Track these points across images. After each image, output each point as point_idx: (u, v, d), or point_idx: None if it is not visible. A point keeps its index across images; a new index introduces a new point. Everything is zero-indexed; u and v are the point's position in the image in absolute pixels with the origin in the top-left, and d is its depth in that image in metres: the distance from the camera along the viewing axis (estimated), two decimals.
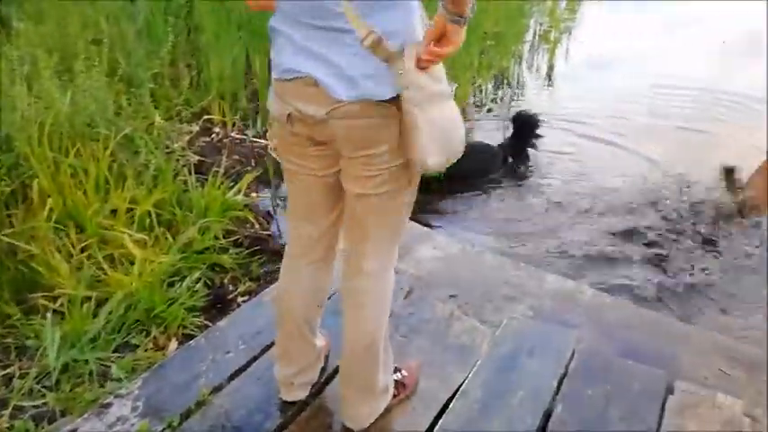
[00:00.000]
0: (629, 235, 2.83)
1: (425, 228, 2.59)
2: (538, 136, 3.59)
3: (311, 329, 1.57)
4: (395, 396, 1.63)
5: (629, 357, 1.85)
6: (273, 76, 1.26)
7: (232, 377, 1.73)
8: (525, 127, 3.59)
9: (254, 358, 1.78)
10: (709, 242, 2.76)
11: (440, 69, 1.18)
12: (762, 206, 2.79)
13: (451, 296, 2.13)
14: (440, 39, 1.12)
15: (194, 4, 3.82)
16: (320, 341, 1.65)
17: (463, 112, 4.28)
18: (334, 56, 1.15)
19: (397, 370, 1.65)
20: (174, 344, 1.85)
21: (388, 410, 1.60)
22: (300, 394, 1.64)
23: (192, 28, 3.86)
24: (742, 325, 2.22)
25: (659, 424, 1.64)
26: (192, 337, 1.87)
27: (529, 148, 3.59)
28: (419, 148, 1.17)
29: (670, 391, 1.73)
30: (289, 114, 1.26)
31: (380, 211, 1.34)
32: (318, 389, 1.69)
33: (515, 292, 2.15)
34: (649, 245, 2.75)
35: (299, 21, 1.17)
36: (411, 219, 2.61)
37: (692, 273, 2.55)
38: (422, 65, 1.13)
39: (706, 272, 2.56)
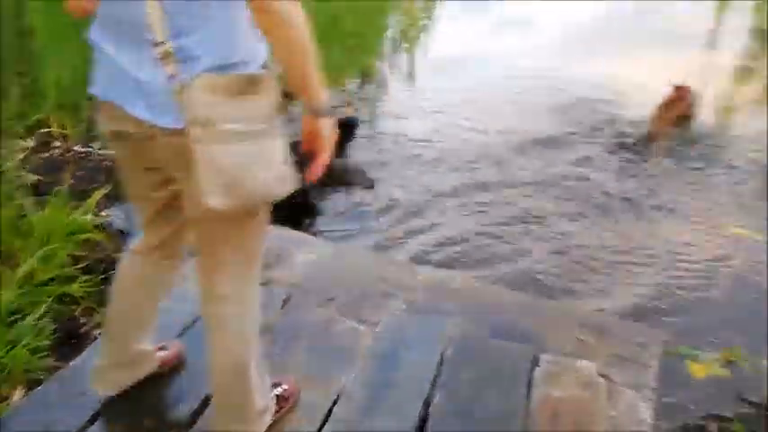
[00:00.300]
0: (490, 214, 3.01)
1: (298, 232, 2.54)
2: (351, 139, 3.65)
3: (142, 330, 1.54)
4: (277, 411, 1.58)
5: (501, 338, 1.94)
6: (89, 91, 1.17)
7: (92, 420, 1.57)
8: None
9: (116, 395, 1.63)
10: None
11: (262, 106, 1.09)
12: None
13: (330, 299, 2.11)
14: (312, 137, 1.14)
15: (24, 2, 3.46)
16: (150, 346, 1.60)
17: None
18: (140, 74, 1.07)
19: (276, 385, 1.60)
20: (19, 392, 1.64)
21: (272, 427, 1.55)
22: (109, 390, 1.58)
23: (22, 30, 3.50)
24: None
25: (528, 395, 1.74)
26: (40, 382, 1.66)
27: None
28: (198, 186, 1.07)
29: (536, 363, 1.84)
30: (111, 131, 1.19)
31: (225, 235, 1.26)
32: (194, 417, 1.60)
33: (391, 288, 2.18)
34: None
35: (111, 30, 1.10)
36: (283, 224, 2.59)
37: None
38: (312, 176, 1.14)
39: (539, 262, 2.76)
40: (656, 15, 6.83)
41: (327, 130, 1.16)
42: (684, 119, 3.90)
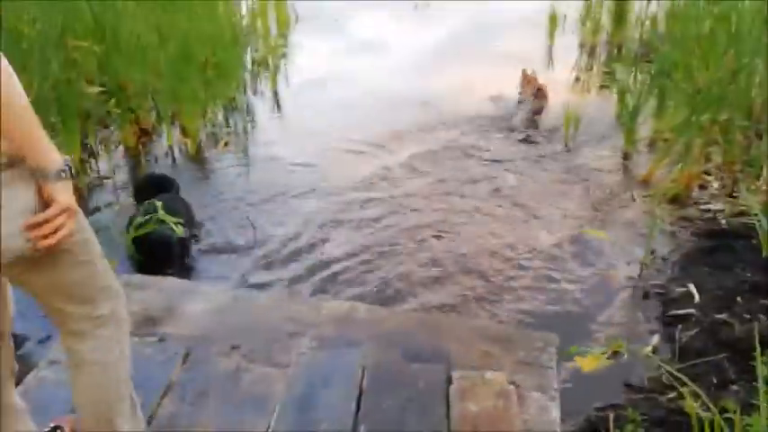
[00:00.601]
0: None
1: (187, 282, 2.41)
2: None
3: None
4: None
5: (413, 361, 1.99)
6: None
7: None
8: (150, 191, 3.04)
9: None
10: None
11: None
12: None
13: (234, 347, 2.02)
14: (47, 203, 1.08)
15: None
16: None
17: (198, 150, 4.14)
18: None
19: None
20: None
21: None
22: None
23: None
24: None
25: (448, 414, 1.80)
26: None
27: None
28: None
29: (450, 381, 1.91)
30: None
31: (38, 284, 1.22)
32: None
33: (298, 327, 2.14)
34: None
35: None
36: (169, 275, 2.44)
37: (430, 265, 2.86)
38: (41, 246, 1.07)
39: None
40: (497, 37, 7.51)
41: (64, 196, 1.10)
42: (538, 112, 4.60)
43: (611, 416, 1.88)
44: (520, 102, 4.71)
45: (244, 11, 7.68)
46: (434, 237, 3.07)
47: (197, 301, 2.25)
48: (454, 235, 3.09)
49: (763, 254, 2.67)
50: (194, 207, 3.23)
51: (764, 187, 3.35)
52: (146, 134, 4.29)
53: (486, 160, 3.97)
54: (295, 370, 1.93)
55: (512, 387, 1.90)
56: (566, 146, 4.16)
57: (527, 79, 4.92)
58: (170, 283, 2.35)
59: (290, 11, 8.87)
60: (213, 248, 2.97)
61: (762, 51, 3.71)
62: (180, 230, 2.66)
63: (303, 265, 2.82)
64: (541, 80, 4.85)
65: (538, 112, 4.58)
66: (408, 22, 9.31)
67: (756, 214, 2.81)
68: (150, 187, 3.07)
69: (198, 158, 4.08)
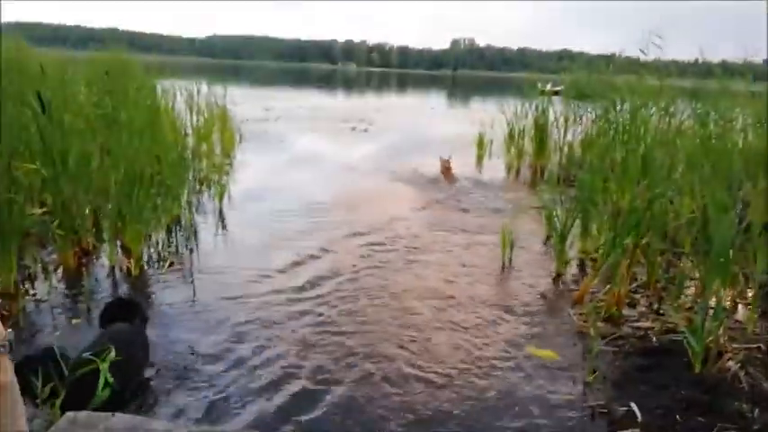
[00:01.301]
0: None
1: (139, 417, 2.29)
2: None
3: None
4: None
5: None
6: None
7: None
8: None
9: None
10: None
11: None
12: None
13: None
14: None
15: None
16: None
17: (141, 272, 4.06)
18: None
19: None
20: None
21: None
22: None
23: None
24: None
25: None
26: None
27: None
28: None
29: None
30: None
31: None
32: None
33: None
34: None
35: None
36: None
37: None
38: None
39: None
40: (427, 154, 8.05)
41: None
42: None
43: None
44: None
45: (190, 130, 7.92)
46: (379, 352, 3.09)
47: None
48: (393, 354, 3.11)
49: (695, 370, 2.87)
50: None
51: (687, 305, 3.65)
52: (86, 254, 4.19)
53: (422, 277, 4.13)
54: None
55: None
56: (502, 266, 4.40)
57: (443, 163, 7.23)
58: (118, 419, 2.23)
59: (235, 132, 9.23)
60: (161, 379, 2.84)
61: (672, 182, 4.18)
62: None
63: (265, 390, 2.73)
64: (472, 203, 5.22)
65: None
66: (346, 141, 9.87)
67: (683, 331, 3.04)
68: (114, 313, 2.94)
69: (141, 279, 3.99)
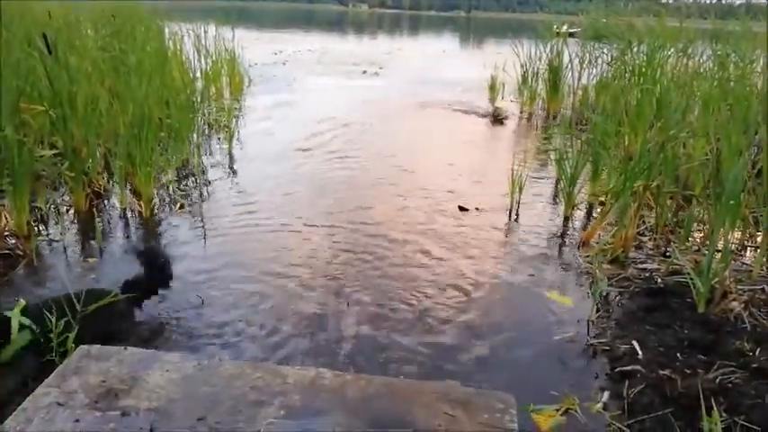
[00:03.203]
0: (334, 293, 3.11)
1: (150, 350, 2.37)
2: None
3: None
4: None
5: (380, 427, 2.02)
6: None
7: None
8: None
9: None
10: None
11: None
12: None
13: (200, 419, 2.00)
14: None
15: None
16: None
17: (152, 214, 4.12)
18: None
19: None
20: None
21: None
22: None
23: None
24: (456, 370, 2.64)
25: None
26: None
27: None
28: None
29: None
30: None
31: None
32: None
33: (262, 395, 2.14)
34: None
35: None
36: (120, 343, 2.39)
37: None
38: None
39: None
40: (441, 98, 7.92)
41: None
42: None
43: None
44: None
45: (198, 74, 7.83)
46: (384, 296, 3.15)
47: (160, 371, 2.21)
48: (406, 296, 3.17)
49: (699, 311, 2.90)
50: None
51: (694, 248, 3.65)
52: (98, 197, 4.24)
53: (438, 224, 4.15)
54: None
55: None
56: (511, 210, 4.39)
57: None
58: (131, 352, 2.32)
59: (244, 75, 9.12)
60: (170, 315, 2.93)
61: (686, 125, 4.11)
62: None
63: (262, 333, 2.81)
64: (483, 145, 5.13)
65: None
66: (357, 84, 9.72)
67: (689, 273, 3.05)
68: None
69: (151, 221, 4.05)
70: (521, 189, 4.46)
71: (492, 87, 8.63)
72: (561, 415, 2.28)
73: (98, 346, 2.43)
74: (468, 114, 7.80)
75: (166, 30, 8.56)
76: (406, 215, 4.28)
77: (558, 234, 4.07)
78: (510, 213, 4.36)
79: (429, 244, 3.81)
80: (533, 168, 5.12)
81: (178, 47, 8.10)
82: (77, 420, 1.96)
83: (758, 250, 3.51)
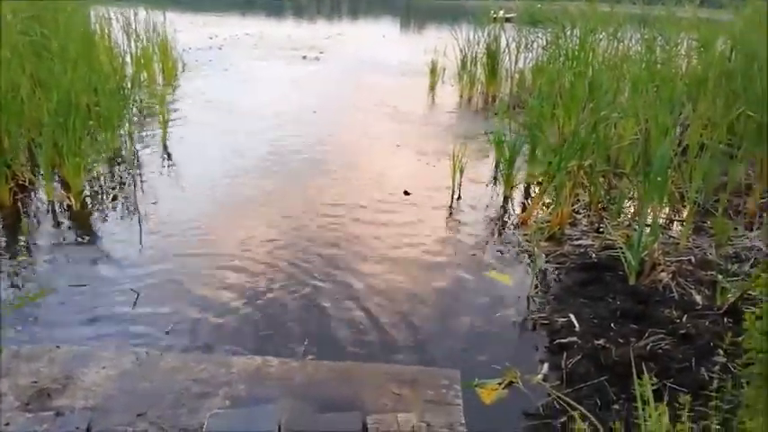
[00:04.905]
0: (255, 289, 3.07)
1: (84, 347, 2.28)
2: None
3: None
4: None
5: (328, 410, 2.03)
6: None
7: None
8: None
9: None
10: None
11: None
12: None
13: (140, 415, 1.95)
14: None
15: None
16: None
17: (83, 206, 3.93)
18: None
19: None
20: None
21: None
22: None
23: None
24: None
25: None
26: None
27: None
28: None
29: (365, 428, 1.97)
30: None
31: None
32: None
33: (206, 387, 2.10)
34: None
35: None
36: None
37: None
38: None
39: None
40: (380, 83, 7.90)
41: None
42: None
43: None
44: None
45: (128, 59, 7.50)
46: (328, 281, 3.14)
47: (96, 368, 2.14)
48: (349, 280, 3.17)
49: (630, 283, 3.04)
50: (79, 268, 3.11)
51: (626, 223, 3.81)
52: (23, 190, 4.01)
53: (381, 200, 4.17)
54: None
55: (423, 426, 2.00)
56: (453, 193, 4.46)
57: None
58: (64, 350, 2.22)
59: (177, 60, 8.80)
60: (105, 312, 2.81)
61: (617, 106, 4.27)
62: None
63: (199, 325, 2.74)
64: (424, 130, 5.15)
65: None
66: (297, 69, 9.58)
67: (621, 248, 3.19)
68: None
69: (82, 214, 3.87)
70: (462, 172, 4.53)
71: (432, 72, 8.69)
72: (504, 388, 2.34)
73: (28, 346, 2.33)
74: (410, 99, 7.83)
75: (92, 13, 8.13)
76: (349, 200, 4.26)
77: (498, 214, 4.17)
78: (452, 196, 4.42)
79: (373, 228, 3.82)
80: (474, 151, 5.19)
81: (106, 31, 7.72)
82: (7, 424, 1.87)
83: (684, 224, 3.70)
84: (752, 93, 4.45)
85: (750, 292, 2.74)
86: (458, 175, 4.51)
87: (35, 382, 2.07)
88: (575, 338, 2.64)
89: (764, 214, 3.84)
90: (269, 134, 5.85)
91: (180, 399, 2.04)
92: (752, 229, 3.66)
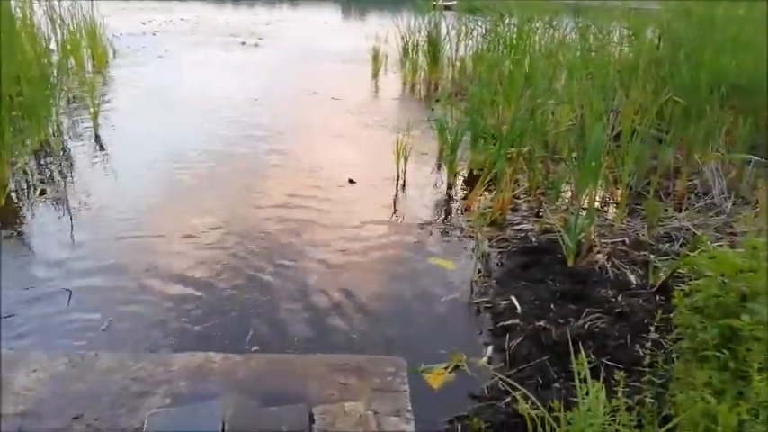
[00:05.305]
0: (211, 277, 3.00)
1: (13, 351, 2.15)
2: None
3: None
4: None
5: (272, 404, 2.00)
6: None
7: None
8: None
9: None
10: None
11: None
12: None
13: (75, 418, 1.86)
14: None
15: None
16: None
17: (8, 202, 3.71)
18: None
19: None
20: None
21: None
22: None
23: None
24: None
25: None
26: None
27: None
28: None
29: (312, 419, 1.96)
30: None
31: None
32: None
33: (145, 386, 2.03)
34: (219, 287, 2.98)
35: None
36: None
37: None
38: None
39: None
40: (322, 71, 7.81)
41: None
42: None
43: (459, 427, 2.07)
44: None
45: (53, 46, 7.10)
46: (273, 271, 3.10)
47: (27, 372, 2.03)
48: (291, 268, 3.14)
49: (568, 264, 3.14)
50: (3, 268, 2.94)
51: (563, 207, 3.93)
52: None
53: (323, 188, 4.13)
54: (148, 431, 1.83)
55: (370, 414, 2.00)
56: (398, 180, 4.47)
57: None
58: None
59: (107, 47, 8.40)
60: (34, 313, 2.67)
61: (553, 93, 4.37)
62: None
63: (138, 323, 2.64)
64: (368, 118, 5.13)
65: None
66: (235, 56, 9.33)
67: (559, 231, 3.29)
68: None
69: (7, 210, 3.65)
70: (406, 159, 4.54)
71: (375, 59, 8.65)
72: (450, 372, 2.39)
73: None
74: (353, 87, 7.78)
75: None
76: (292, 188, 4.20)
77: (442, 201, 4.21)
78: (396, 183, 4.43)
79: (318, 216, 3.79)
80: (418, 138, 5.21)
81: (28, 15, 7.27)
82: None
83: (618, 206, 3.85)
84: (678, 79, 4.66)
85: (680, 270, 2.89)
86: (402, 162, 4.52)
87: None
88: (517, 320, 2.71)
89: (691, 196, 4.05)
90: (207, 124, 5.68)
91: (118, 399, 1.96)
92: (680, 211, 3.84)
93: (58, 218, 3.59)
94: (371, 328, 2.71)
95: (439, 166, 4.86)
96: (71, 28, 7.71)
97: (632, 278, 3.03)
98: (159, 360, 2.18)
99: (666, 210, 3.81)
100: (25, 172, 4.21)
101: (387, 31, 8.53)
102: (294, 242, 3.43)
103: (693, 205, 3.85)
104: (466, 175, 4.66)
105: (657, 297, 2.82)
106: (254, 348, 2.47)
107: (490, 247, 3.43)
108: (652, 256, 3.17)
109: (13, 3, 7.27)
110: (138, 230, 3.48)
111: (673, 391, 1.82)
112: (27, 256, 3.16)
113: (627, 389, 1.66)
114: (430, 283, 3.09)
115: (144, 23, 11.98)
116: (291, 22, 14.52)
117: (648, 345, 1.98)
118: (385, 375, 2.18)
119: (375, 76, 8.53)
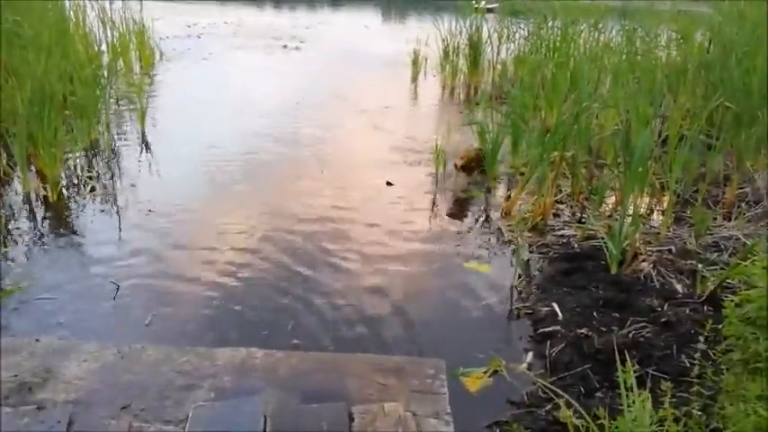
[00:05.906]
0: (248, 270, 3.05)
1: (66, 340, 2.24)
2: None
3: None
4: None
5: (313, 402, 2.02)
6: None
7: None
8: None
9: None
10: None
11: None
12: None
13: (123, 408, 1.92)
14: None
15: None
16: None
17: (60, 198, 3.85)
18: None
19: None
20: None
21: None
22: None
23: None
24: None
25: None
26: None
27: None
28: None
29: (351, 418, 1.97)
30: None
31: None
32: None
33: (191, 379, 2.08)
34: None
35: None
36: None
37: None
38: None
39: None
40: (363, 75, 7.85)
41: None
42: None
43: (498, 431, 2.05)
44: None
45: (104, 47, 7.36)
46: (313, 271, 3.13)
47: (77, 361, 2.10)
48: (333, 271, 3.16)
49: (612, 272, 3.07)
50: (55, 261, 3.05)
51: (607, 214, 3.85)
52: None
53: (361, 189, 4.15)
54: (193, 425, 1.87)
55: (409, 415, 2.00)
56: (436, 183, 4.46)
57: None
58: (45, 343, 2.18)
59: (155, 48, 8.64)
60: (85, 305, 2.77)
61: (598, 97, 4.29)
62: None
63: (188, 318, 2.71)
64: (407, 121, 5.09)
65: None
66: (277, 58, 9.47)
67: (603, 238, 3.23)
68: None
69: (59, 205, 3.80)
70: (445, 163, 4.53)
71: (415, 62, 8.66)
72: (489, 377, 2.36)
73: (8, 338, 2.28)
74: (393, 90, 7.80)
75: (66, 0, 7.94)
76: (332, 191, 4.24)
77: (482, 205, 4.18)
78: (436, 186, 4.42)
79: (358, 218, 3.81)
80: (457, 142, 5.19)
81: (80, 18, 7.54)
82: None
83: (664, 214, 3.75)
84: (729, 84, 4.51)
85: (729, 280, 2.80)
86: (441, 166, 4.51)
87: (15, 375, 2.03)
88: (558, 327, 2.67)
89: (742, 204, 3.91)
90: (250, 126, 5.78)
91: (164, 391, 2.01)
92: (730, 219, 3.72)
93: (107, 214, 3.71)
94: (411, 331, 2.71)
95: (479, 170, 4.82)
96: (121, 30, 7.97)
97: (679, 287, 2.95)
98: (204, 354, 2.22)
99: (715, 218, 3.69)
100: (76, 169, 4.36)
101: (427, 34, 8.53)
102: (332, 245, 3.45)
103: (744, 214, 3.72)
104: (506, 180, 4.61)
105: (705, 307, 2.74)
106: (295, 345, 2.50)
107: (531, 252, 3.39)
108: (700, 265, 3.07)
109: (67, 4, 7.58)
110: (181, 226, 3.57)
111: (722, 403, 1.76)
112: (77, 250, 3.27)
113: (674, 399, 1.62)
114: (470, 287, 3.07)
115: (189, 26, 12.29)
116: (332, 26, 14.67)
117: (696, 355, 1.93)
118: (424, 377, 2.18)
119: (415, 79, 8.54)
